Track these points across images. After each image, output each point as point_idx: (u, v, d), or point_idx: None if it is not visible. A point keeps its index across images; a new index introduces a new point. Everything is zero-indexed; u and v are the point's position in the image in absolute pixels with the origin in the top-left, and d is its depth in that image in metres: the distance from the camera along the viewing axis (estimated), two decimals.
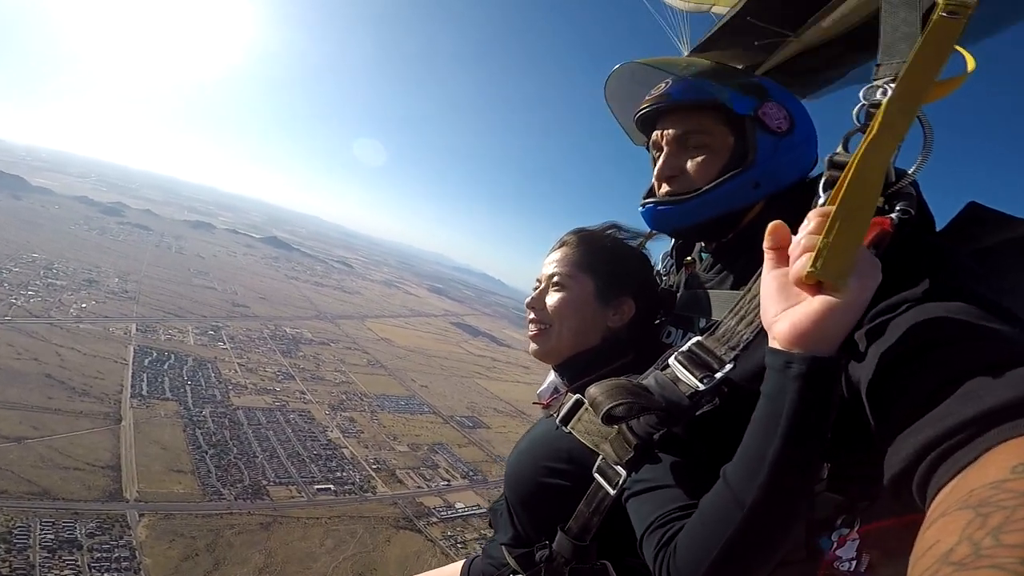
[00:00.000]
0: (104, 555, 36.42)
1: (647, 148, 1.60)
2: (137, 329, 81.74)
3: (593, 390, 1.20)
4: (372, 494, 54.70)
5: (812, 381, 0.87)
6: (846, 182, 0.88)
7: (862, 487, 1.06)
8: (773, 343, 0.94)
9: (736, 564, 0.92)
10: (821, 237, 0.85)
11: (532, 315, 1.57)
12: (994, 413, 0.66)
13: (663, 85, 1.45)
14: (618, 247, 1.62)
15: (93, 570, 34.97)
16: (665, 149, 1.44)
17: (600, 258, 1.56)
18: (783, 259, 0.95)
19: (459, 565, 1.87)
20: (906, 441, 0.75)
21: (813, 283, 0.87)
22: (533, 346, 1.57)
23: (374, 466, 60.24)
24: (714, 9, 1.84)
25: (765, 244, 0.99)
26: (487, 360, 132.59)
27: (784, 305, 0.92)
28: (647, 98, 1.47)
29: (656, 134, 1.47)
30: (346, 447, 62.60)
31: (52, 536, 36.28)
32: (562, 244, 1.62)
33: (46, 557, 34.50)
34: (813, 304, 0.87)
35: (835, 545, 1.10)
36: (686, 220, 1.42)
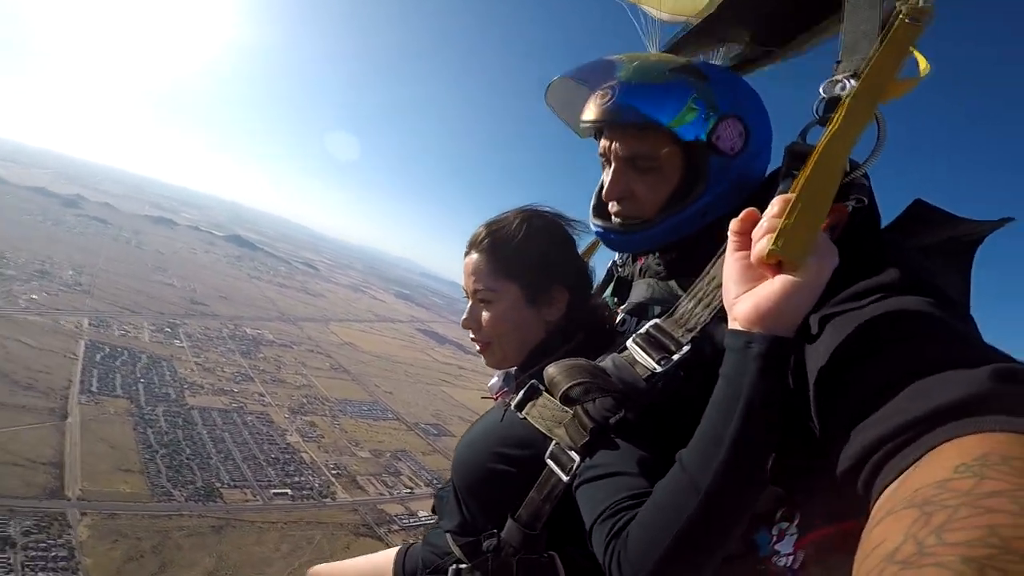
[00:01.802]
0: (40, 554, 34.35)
1: (595, 139, 1.52)
2: (90, 323, 78.17)
3: (551, 369, 1.21)
4: (331, 500, 53.40)
5: (772, 361, 0.87)
6: (809, 169, 0.92)
7: (801, 480, 1.06)
8: (733, 324, 0.94)
9: (690, 551, 0.90)
10: (783, 219, 0.87)
11: (471, 335, 1.56)
12: (940, 412, 0.66)
13: (608, 93, 1.34)
14: (532, 239, 1.51)
15: (27, 569, 32.91)
16: (613, 166, 1.39)
17: (517, 259, 1.50)
18: (746, 243, 0.97)
19: (391, 552, 1.80)
20: (855, 438, 0.75)
21: (774, 263, 0.89)
22: (484, 359, 1.58)
23: (334, 471, 58.88)
24: (692, 20, 1.82)
25: (731, 227, 1.00)
26: (453, 368, 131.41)
27: (746, 287, 0.94)
28: (591, 107, 1.38)
29: (604, 144, 1.42)
30: (305, 451, 60.97)
31: None
32: (474, 247, 1.55)
33: None
34: (774, 284, 0.89)
35: (774, 539, 1.11)
36: (636, 247, 1.47)
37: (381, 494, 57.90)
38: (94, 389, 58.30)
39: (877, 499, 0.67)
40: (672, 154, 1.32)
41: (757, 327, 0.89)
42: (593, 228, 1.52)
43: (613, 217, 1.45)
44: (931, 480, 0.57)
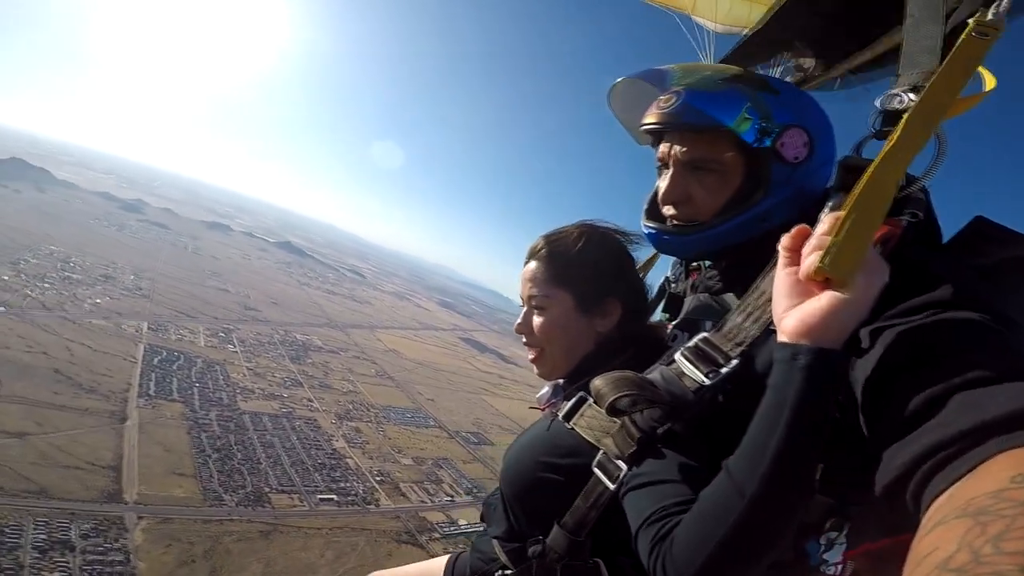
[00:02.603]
0: (97, 558, 35.56)
1: (652, 145, 1.55)
2: (149, 327, 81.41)
3: (598, 382, 1.23)
4: (375, 506, 53.99)
5: (817, 372, 0.89)
6: (861, 187, 0.92)
7: (853, 491, 1.07)
8: (782, 337, 0.96)
9: (734, 557, 0.92)
10: (832, 236, 0.88)
11: (524, 340, 1.60)
12: (994, 424, 0.66)
13: (673, 98, 1.36)
14: (589, 250, 1.56)
15: (84, 573, 34.03)
16: (672, 169, 1.38)
17: (574, 267, 1.54)
18: (796, 259, 0.98)
19: (443, 560, 1.83)
20: (904, 448, 0.76)
21: (822, 279, 0.91)
22: (535, 368, 1.61)
23: (378, 478, 59.44)
24: (745, 31, 1.80)
25: (782, 243, 1.02)
26: (494, 377, 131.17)
27: (794, 301, 0.95)
28: (653, 111, 1.39)
29: (663, 148, 1.41)
30: (351, 457, 61.89)
31: (45, 536, 35.41)
32: (532, 256, 1.60)
33: (36, 558, 33.61)
34: (821, 300, 0.90)
35: (823, 548, 1.12)
36: (689, 250, 1.44)
37: (423, 501, 58.25)
38: (152, 392, 60.24)
39: (927, 509, 0.67)
40: (734, 159, 1.31)
41: (804, 340, 0.91)
42: (644, 230, 1.49)
43: (668, 221, 1.43)
44: (986, 490, 0.57)
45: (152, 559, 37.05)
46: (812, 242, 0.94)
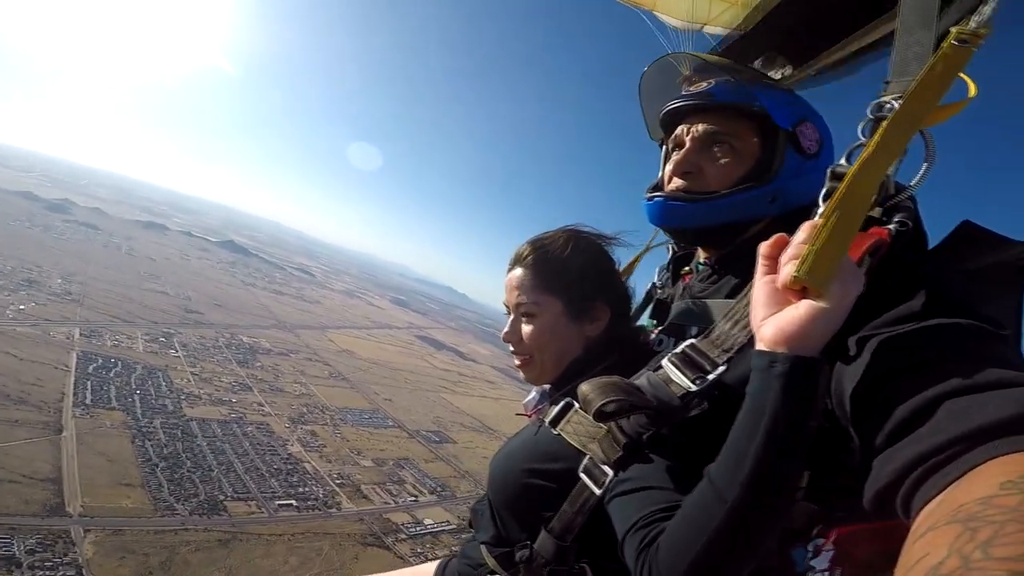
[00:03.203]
0: (47, 573, 33.32)
1: (660, 144, 1.62)
2: (81, 334, 76.64)
3: (585, 387, 1.22)
4: (337, 510, 52.85)
5: (794, 379, 0.90)
6: (838, 194, 0.93)
7: (840, 499, 1.07)
8: (759, 345, 0.97)
9: (717, 562, 0.93)
10: (808, 245, 0.90)
11: (512, 348, 1.60)
12: (983, 431, 0.68)
13: (704, 84, 1.45)
14: (576, 255, 1.58)
15: None
16: (688, 145, 1.43)
17: (562, 274, 1.55)
18: (775, 267, 0.99)
19: (432, 566, 1.85)
20: (894, 455, 0.77)
21: (798, 288, 0.92)
22: (522, 375, 1.61)
23: (338, 481, 58.29)
24: (705, 29, 1.88)
25: (760, 252, 1.02)
26: (453, 374, 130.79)
27: (772, 310, 0.96)
28: (686, 92, 1.48)
29: (681, 129, 1.47)
30: (308, 461, 60.25)
31: None
32: (518, 262, 1.60)
33: None
34: (798, 309, 0.92)
35: (810, 555, 1.12)
36: (694, 220, 1.42)
37: (386, 503, 57.46)
38: (88, 401, 57.12)
39: (917, 515, 0.68)
40: (752, 139, 1.37)
41: (781, 348, 0.92)
42: (647, 204, 1.48)
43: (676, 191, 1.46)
44: (975, 497, 0.58)
45: (107, 572, 35.02)
46: (789, 251, 0.95)
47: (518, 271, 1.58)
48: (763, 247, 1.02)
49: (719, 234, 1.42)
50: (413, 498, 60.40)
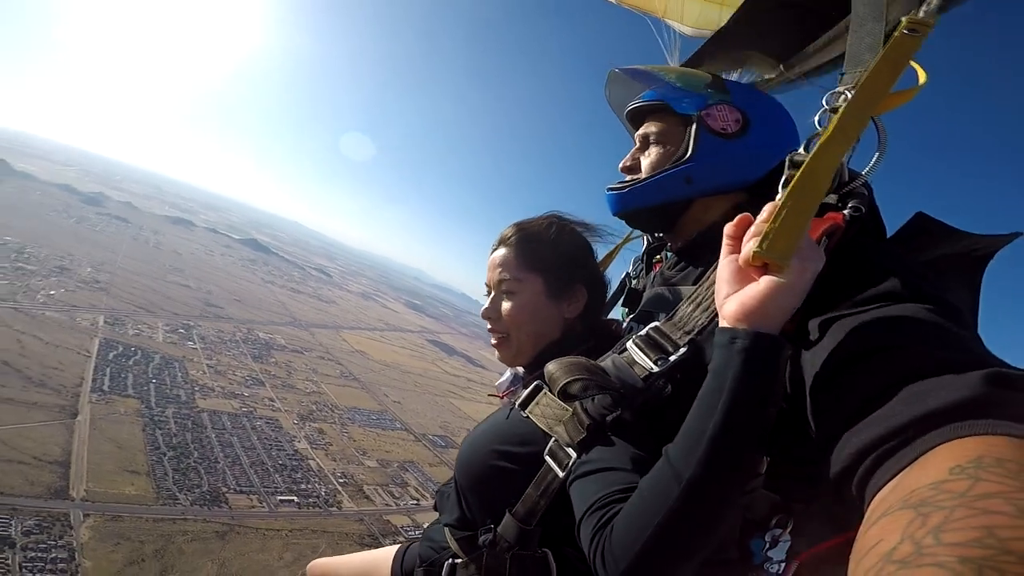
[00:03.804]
0: (39, 555, 33.77)
1: None
2: (105, 321, 78.46)
3: (551, 366, 1.25)
4: (337, 509, 52.70)
5: (755, 355, 0.90)
6: (797, 176, 0.97)
7: (798, 486, 1.08)
8: (722, 322, 0.99)
9: (670, 545, 0.91)
10: (769, 224, 0.92)
11: (490, 325, 1.62)
12: (935, 415, 0.68)
13: (643, 90, 1.58)
14: (559, 238, 1.64)
15: (24, 570, 32.28)
16: (635, 146, 1.57)
17: (544, 254, 1.60)
18: (738, 247, 1.01)
19: (392, 550, 1.86)
20: (850, 439, 0.77)
21: (760, 264, 0.94)
22: (497, 354, 1.64)
23: (341, 480, 58.28)
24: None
25: (725, 231, 1.05)
26: (462, 380, 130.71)
27: (735, 287, 0.98)
28: (631, 101, 1.61)
29: (636, 134, 1.60)
30: (313, 459, 60.45)
31: None
32: (502, 243, 1.65)
33: None
34: (759, 284, 0.93)
35: (767, 546, 1.12)
36: (628, 204, 1.53)
37: (387, 504, 57.27)
38: (105, 388, 58.10)
39: (871, 500, 0.68)
40: (675, 133, 1.47)
41: (742, 324, 0.93)
42: (605, 196, 1.59)
43: None
44: (926, 482, 0.58)
45: (99, 557, 35.44)
46: (752, 230, 0.97)
47: (501, 250, 1.64)
48: (728, 227, 1.04)
49: (652, 216, 1.53)
50: (415, 501, 59.95)
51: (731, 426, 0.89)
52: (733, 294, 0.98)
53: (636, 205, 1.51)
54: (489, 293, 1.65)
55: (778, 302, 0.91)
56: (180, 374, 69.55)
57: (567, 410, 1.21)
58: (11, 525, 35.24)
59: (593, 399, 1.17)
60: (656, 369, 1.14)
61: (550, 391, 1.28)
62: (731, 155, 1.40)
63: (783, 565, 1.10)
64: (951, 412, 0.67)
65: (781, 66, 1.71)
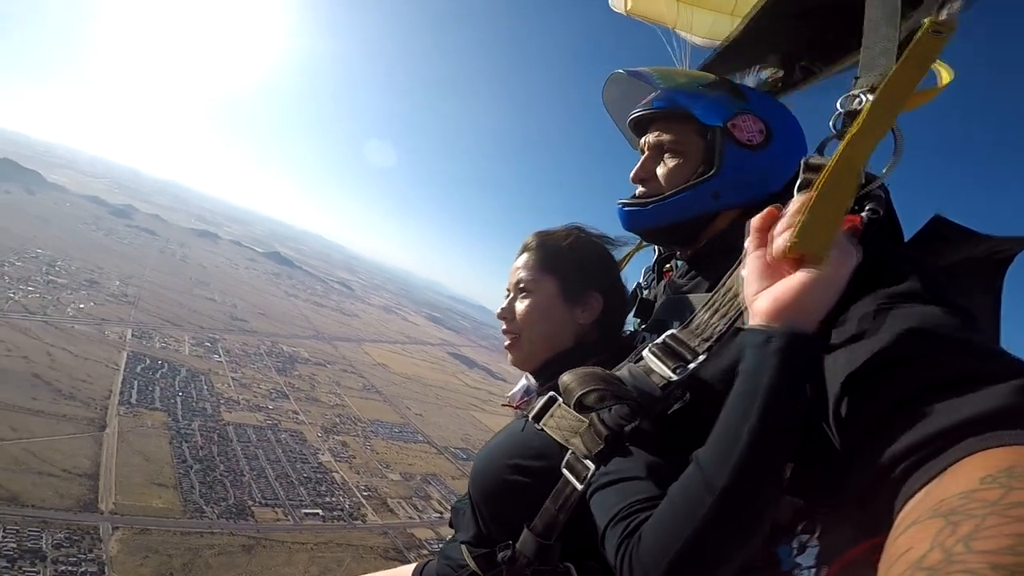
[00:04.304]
0: (69, 568, 34.06)
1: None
2: (133, 335, 79.94)
3: (566, 377, 1.23)
4: (362, 522, 52.76)
5: (792, 356, 0.87)
6: (829, 168, 0.94)
7: (823, 491, 1.04)
8: (753, 320, 0.95)
9: (703, 554, 0.88)
10: (802, 215, 0.89)
11: (504, 325, 1.62)
12: (966, 425, 0.67)
13: (652, 96, 1.52)
14: (579, 244, 1.64)
15: None
16: (644, 155, 1.51)
17: (561, 257, 1.60)
18: (766, 240, 0.97)
19: (409, 568, 1.84)
20: (877, 450, 0.76)
21: (795, 257, 0.90)
22: (509, 356, 1.63)
23: (365, 493, 58.37)
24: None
25: (751, 224, 1.02)
26: (483, 393, 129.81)
27: (765, 283, 0.94)
28: (638, 106, 1.55)
29: (642, 141, 1.55)
30: (337, 472, 60.74)
31: (15, 545, 33.93)
32: (524, 249, 1.67)
33: (4, 567, 31.91)
34: (794, 279, 0.89)
35: (795, 552, 1.10)
36: (648, 222, 1.49)
37: (411, 518, 57.21)
38: (133, 401, 58.93)
39: (900, 510, 0.68)
40: (695, 143, 1.42)
41: (776, 322, 0.89)
42: (617, 210, 1.56)
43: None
44: (956, 491, 0.58)
45: (127, 571, 35.58)
46: (783, 222, 0.94)
47: (523, 256, 1.64)
48: (754, 221, 1.01)
49: (676, 232, 1.47)
50: (438, 514, 59.48)
51: (767, 432, 0.86)
52: (764, 290, 0.94)
53: (656, 223, 1.46)
54: (509, 294, 1.64)
55: (816, 297, 0.88)
56: (206, 387, 70.40)
57: (584, 421, 1.19)
58: (42, 538, 35.48)
59: (610, 409, 1.15)
60: (675, 377, 1.11)
61: (565, 402, 1.26)
62: (757, 167, 1.38)
63: (814, 572, 1.08)
64: (981, 422, 0.66)
65: (797, 67, 1.63)
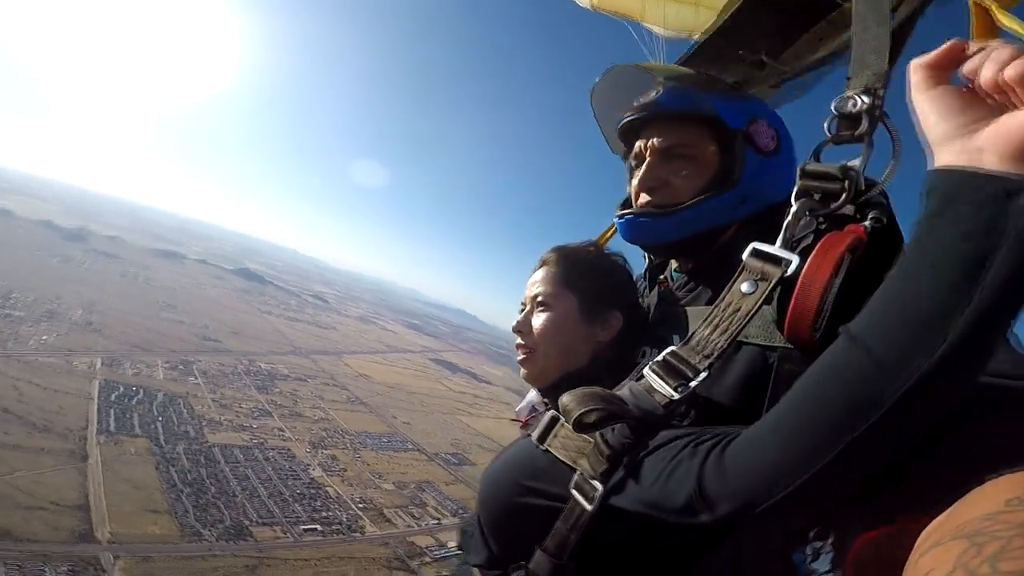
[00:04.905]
0: None
1: (624, 158, 1.61)
2: (102, 363, 76.99)
3: (565, 398, 1.19)
4: (361, 534, 52.30)
5: None
6: None
7: (843, 520, 1.02)
8: (959, 159, 0.74)
9: (846, 463, 0.75)
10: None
11: (519, 339, 1.58)
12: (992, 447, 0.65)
13: (652, 92, 1.45)
14: (599, 261, 1.63)
15: None
16: (648, 159, 1.43)
17: (582, 273, 1.57)
18: (944, 78, 0.80)
19: None
20: (895, 471, 0.73)
21: None
22: (523, 371, 1.59)
23: (360, 505, 57.81)
24: (694, 36, 1.95)
25: (921, 64, 0.82)
26: (468, 396, 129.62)
27: (971, 116, 0.74)
28: (635, 104, 1.47)
29: (640, 144, 1.46)
30: (330, 486, 59.97)
31: None
32: (543, 263, 1.63)
33: None
34: None
35: (809, 558, 1.10)
36: (667, 235, 1.41)
37: (409, 526, 56.90)
38: (112, 429, 57.27)
39: (922, 532, 0.66)
40: (709, 146, 1.37)
41: (1013, 167, 0.69)
42: (617, 221, 1.49)
43: (640, 208, 1.45)
44: (979, 513, 0.57)
45: None
46: (998, 46, 0.74)
47: (541, 271, 1.60)
48: (928, 58, 0.81)
49: (692, 245, 1.40)
50: (436, 520, 59.58)
51: (996, 310, 0.68)
52: (976, 124, 0.73)
53: (679, 235, 1.37)
54: (525, 307, 1.60)
55: None
56: (186, 410, 68.51)
57: (589, 442, 1.17)
58: (45, 571, 34.45)
59: (613, 429, 1.12)
60: (676, 396, 1.07)
61: (565, 423, 1.23)
62: (772, 173, 1.35)
63: None
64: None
65: (769, 66, 1.61)
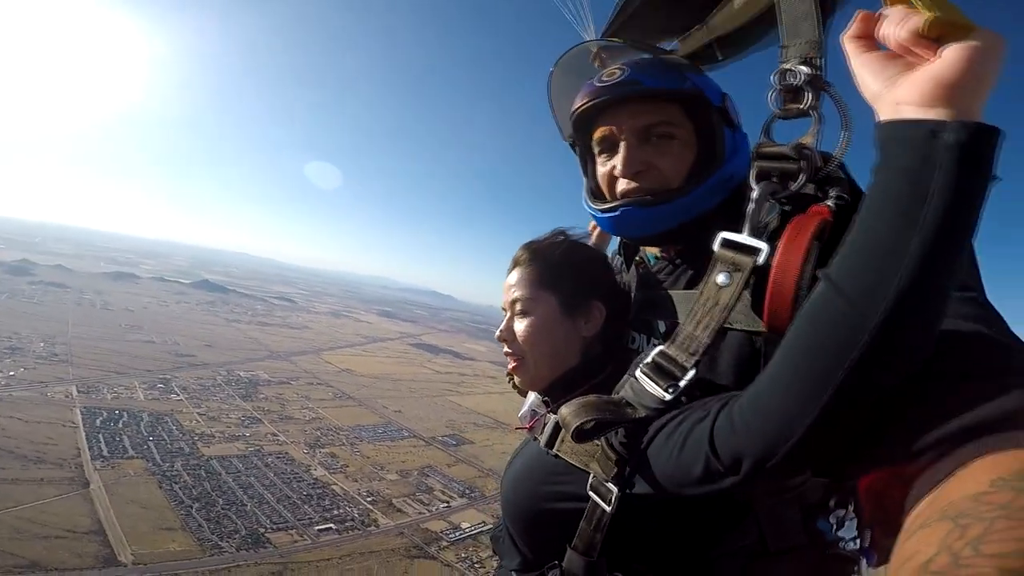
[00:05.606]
0: None
1: (572, 145, 1.54)
2: (78, 391, 74.83)
3: (564, 410, 1.19)
4: (375, 527, 52.84)
5: (975, 152, 0.70)
6: None
7: (849, 466, 0.98)
8: (893, 114, 0.78)
9: (828, 396, 0.77)
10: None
11: (505, 348, 1.54)
12: (975, 427, 0.66)
13: (617, 72, 1.33)
14: (572, 252, 1.56)
15: None
16: (625, 142, 1.31)
17: (557, 270, 1.52)
18: (871, 45, 0.86)
19: None
20: (888, 450, 0.75)
21: (934, 36, 0.75)
22: (516, 379, 1.56)
23: (369, 499, 58.29)
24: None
25: (850, 35, 0.88)
26: (454, 376, 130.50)
27: (892, 74, 0.80)
28: (603, 85, 1.33)
29: (606, 128, 1.35)
30: (335, 483, 60.34)
31: None
32: (515, 264, 1.58)
33: None
34: (949, 56, 0.73)
35: (834, 527, 1.12)
36: (668, 222, 1.31)
37: (420, 513, 57.55)
38: (106, 454, 56.66)
39: (911, 511, 0.66)
40: (686, 125, 1.30)
41: (939, 110, 0.72)
42: (600, 213, 1.38)
43: (626, 197, 1.34)
44: (966, 493, 0.57)
45: None
46: (896, 11, 0.80)
47: (515, 272, 1.55)
48: (853, 29, 0.87)
49: (687, 232, 1.32)
50: (445, 504, 60.46)
51: (942, 247, 0.71)
52: (898, 77, 0.79)
53: (678, 220, 1.30)
54: (505, 313, 1.57)
55: (984, 72, 0.72)
56: (175, 427, 67.77)
57: (597, 446, 1.19)
58: None
59: (616, 433, 1.14)
60: (668, 397, 1.07)
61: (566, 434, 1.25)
62: (743, 149, 1.33)
63: (858, 541, 1.10)
64: (992, 424, 0.65)
65: (695, 36, 1.59)
